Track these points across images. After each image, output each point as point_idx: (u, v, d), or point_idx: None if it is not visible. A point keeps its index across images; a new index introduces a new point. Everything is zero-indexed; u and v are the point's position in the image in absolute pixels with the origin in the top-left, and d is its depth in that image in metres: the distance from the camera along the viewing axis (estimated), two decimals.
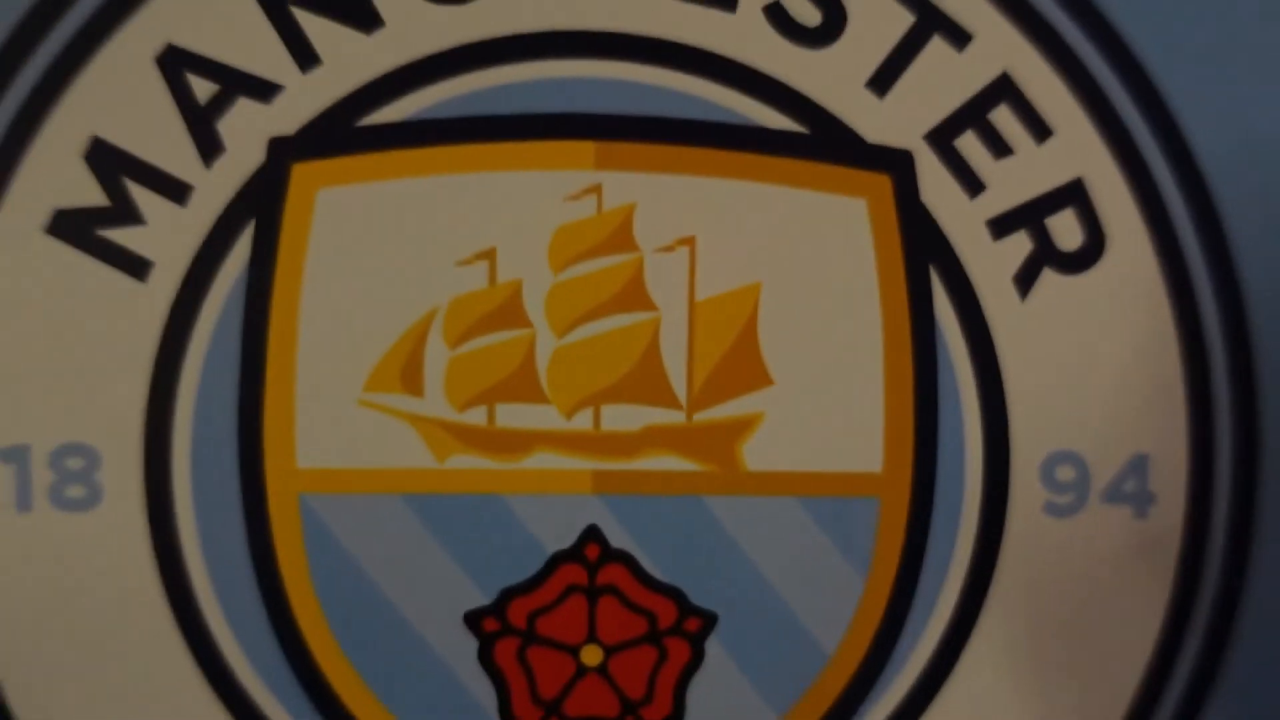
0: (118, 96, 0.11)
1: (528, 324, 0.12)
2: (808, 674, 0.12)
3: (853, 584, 0.12)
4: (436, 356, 0.12)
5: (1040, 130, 0.12)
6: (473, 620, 0.12)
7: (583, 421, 0.12)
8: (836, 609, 0.12)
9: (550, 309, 0.12)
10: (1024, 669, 0.12)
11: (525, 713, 0.12)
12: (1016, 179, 0.12)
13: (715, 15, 0.12)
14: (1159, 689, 0.12)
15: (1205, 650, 0.13)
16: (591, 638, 0.12)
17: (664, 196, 0.12)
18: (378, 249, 0.12)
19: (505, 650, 0.12)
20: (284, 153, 0.12)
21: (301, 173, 0.12)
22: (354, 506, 0.12)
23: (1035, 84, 0.12)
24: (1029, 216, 0.12)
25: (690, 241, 0.12)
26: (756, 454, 0.12)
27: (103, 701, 0.12)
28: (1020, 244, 0.12)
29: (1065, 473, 0.12)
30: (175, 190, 0.12)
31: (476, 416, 0.12)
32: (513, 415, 0.12)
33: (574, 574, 0.12)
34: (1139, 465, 0.12)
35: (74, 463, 0.12)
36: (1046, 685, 0.12)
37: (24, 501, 0.12)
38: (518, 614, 0.12)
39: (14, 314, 0.12)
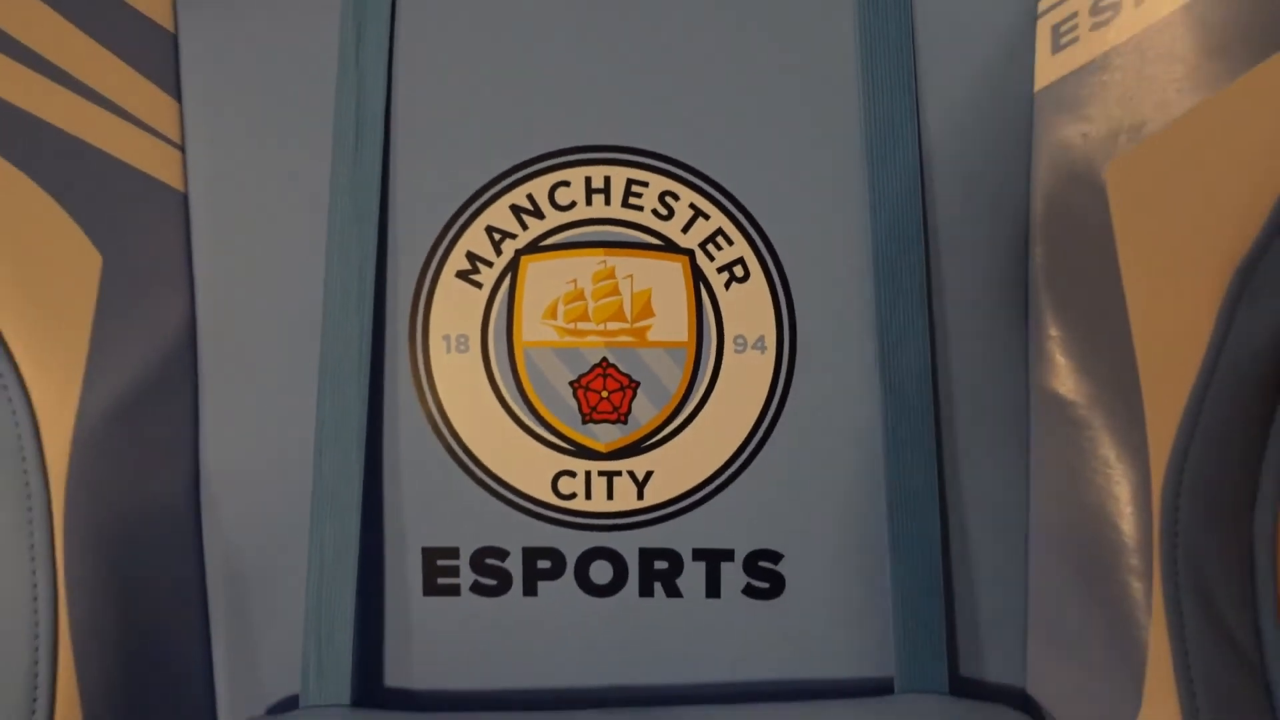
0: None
1: (585, 299, 0.40)
2: (667, 397, 0.39)
3: (678, 373, 0.39)
4: (559, 310, 0.40)
5: (729, 243, 0.39)
6: (569, 386, 0.40)
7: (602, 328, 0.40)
8: (672, 381, 0.39)
9: (593, 297, 0.40)
10: (721, 419, 0.39)
11: (587, 411, 0.40)
12: (721, 260, 0.39)
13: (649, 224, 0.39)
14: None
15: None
16: (605, 389, 0.40)
17: (627, 265, 0.40)
18: (545, 280, 0.40)
19: (579, 390, 0.40)
20: (519, 253, 0.40)
21: (523, 259, 0.40)
22: (539, 352, 0.40)
23: (730, 234, 0.39)
24: (727, 269, 0.39)
25: (630, 277, 0.40)
26: (653, 334, 0.40)
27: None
28: (726, 276, 0.39)
29: (740, 342, 0.39)
30: (492, 267, 0.40)
31: (571, 326, 0.40)
32: (582, 326, 0.40)
33: (599, 370, 0.40)
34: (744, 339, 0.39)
35: (464, 343, 0.40)
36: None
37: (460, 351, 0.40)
38: (581, 383, 0.40)
39: (451, 315, 0.40)
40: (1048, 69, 0.37)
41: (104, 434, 0.36)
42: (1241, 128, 0.32)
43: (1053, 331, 0.38)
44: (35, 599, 0.34)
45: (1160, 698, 0.34)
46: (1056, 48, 0.36)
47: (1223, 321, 0.33)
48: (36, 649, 0.33)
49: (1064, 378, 0.37)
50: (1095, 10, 0.34)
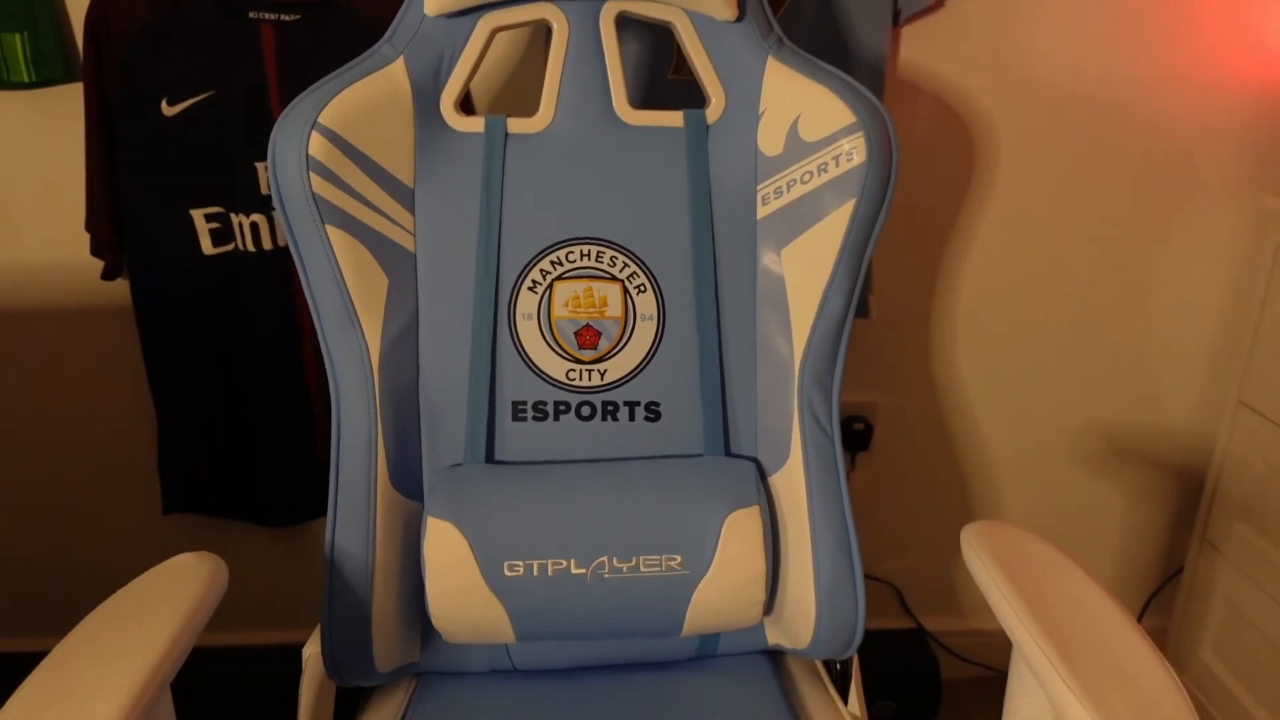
0: None
1: (579, 299, 0.96)
2: (613, 339, 0.96)
3: (617, 330, 0.96)
4: (569, 303, 0.95)
5: (639, 277, 0.96)
6: (574, 334, 0.95)
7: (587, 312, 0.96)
8: (615, 332, 0.96)
9: (583, 297, 0.96)
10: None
11: (580, 344, 0.95)
12: (635, 283, 0.97)
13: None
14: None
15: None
16: (588, 335, 0.96)
17: (597, 286, 0.96)
18: (564, 291, 0.96)
19: (577, 335, 0.95)
20: (552, 280, 0.96)
21: (555, 283, 0.96)
22: (562, 320, 0.95)
23: (639, 273, 0.96)
24: (638, 287, 0.96)
25: (598, 290, 0.96)
26: (607, 313, 0.96)
27: None
28: (637, 289, 0.97)
29: (643, 317, 0.96)
30: (542, 285, 0.96)
31: (574, 309, 0.96)
32: (578, 310, 0.96)
33: (585, 328, 0.95)
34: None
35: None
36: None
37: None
38: (578, 333, 0.96)
39: (526, 304, 0.96)
40: (761, 210, 0.95)
41: (389, 352, 0.91)
42: (821, 242, 0.91)
43: (762, 315, 0.96)
44: (369, 412, 0.89)
45: (795, 453, 0.94)
46: (763, 204, 0.95)
47: (819, 309, 0.92)
48: (370, 430, 0.89)
49: (769, 333, 0.96)
50: (775, 193, 0.93)
